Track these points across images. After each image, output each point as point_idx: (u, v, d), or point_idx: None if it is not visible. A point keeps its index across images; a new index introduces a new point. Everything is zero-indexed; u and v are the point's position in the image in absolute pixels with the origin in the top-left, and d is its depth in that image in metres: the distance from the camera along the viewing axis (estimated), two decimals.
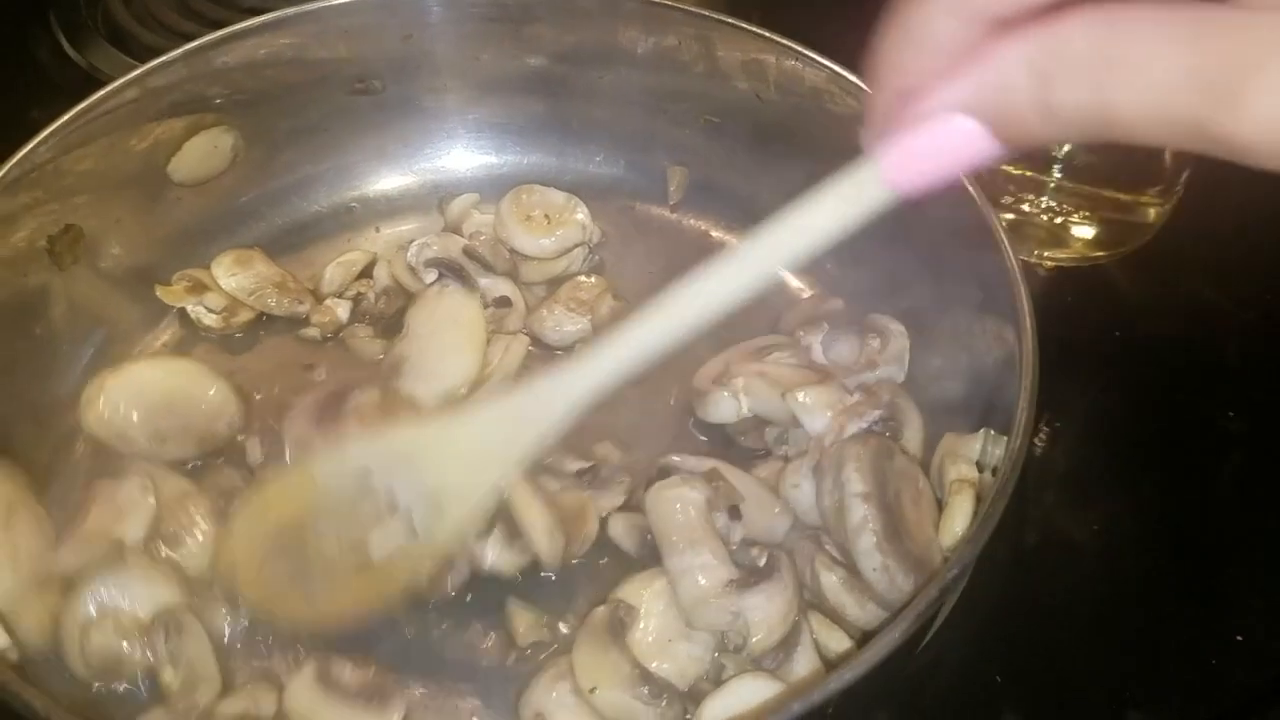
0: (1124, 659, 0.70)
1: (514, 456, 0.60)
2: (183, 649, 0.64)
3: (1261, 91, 0.32)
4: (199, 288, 0.81)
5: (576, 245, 0.85)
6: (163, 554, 0.68)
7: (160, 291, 0.81)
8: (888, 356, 0.74)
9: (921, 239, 0.77)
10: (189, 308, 0.81)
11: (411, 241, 0.84)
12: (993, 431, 0.67)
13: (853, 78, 0.77)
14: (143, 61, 0.94)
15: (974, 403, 0.70)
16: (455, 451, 0.62)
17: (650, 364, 0.51)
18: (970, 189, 0.70)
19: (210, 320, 0.81)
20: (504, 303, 0.81)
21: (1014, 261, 0.66)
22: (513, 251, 0.84)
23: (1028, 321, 0.64)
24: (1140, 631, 0.71)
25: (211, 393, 0.76)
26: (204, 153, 0.82)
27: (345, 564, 0.63)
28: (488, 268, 0.82)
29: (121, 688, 0.64)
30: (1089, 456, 0.80)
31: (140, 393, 0.74)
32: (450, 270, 0.81)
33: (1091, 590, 0.73)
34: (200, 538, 0.69)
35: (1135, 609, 0.72)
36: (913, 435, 0.71)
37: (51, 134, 0.73)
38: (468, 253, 0.82)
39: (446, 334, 0.78)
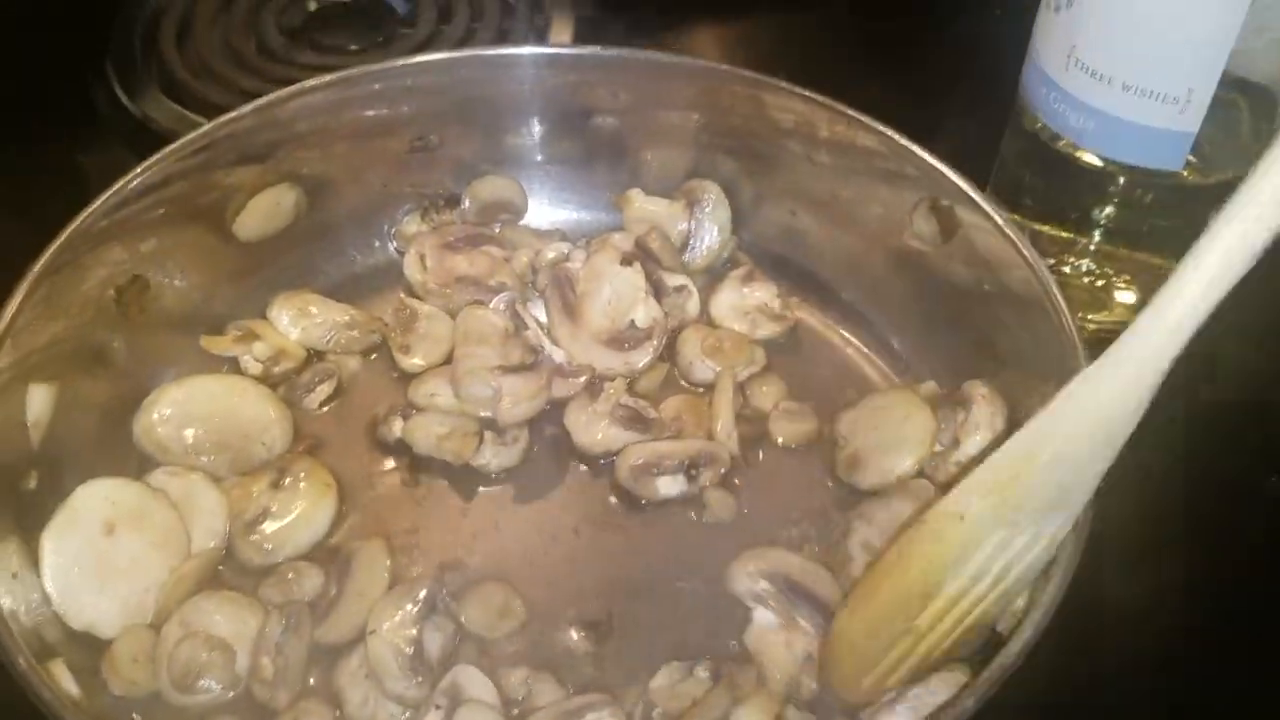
0: None
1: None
2: (289, 644, 0.66)
3: None
4: (249, 337, 0.82)
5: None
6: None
7: (206, 342, 0.82)
8: (971, 426, 0.74)
9: (977, 305, 0.78)
10: (240, 356, 0.82)
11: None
12: None
13: (897, 137, 0.79)
14: (195, 112, 0.96)
15: None
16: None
17: None
18: (1025, 254, 0.71)
19: (256, 370, 0.82)
20: (682, 290, 0.85)
21: (1072, 327, 0.67)
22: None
23: None
24: (1191, 698, 0.71)
25: (259, 413, 0.77)
26: (268, 210, 0.84)
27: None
28: (658, 261, 0.85)
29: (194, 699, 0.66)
30: (1132, 521, 0.80)
31: (193, 405, 0.76)
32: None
33: (1141, 656, 0.73)
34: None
35: (1186, 675, 0.72)
36: None
37: (123, 186, 0.74)
38: (640, 246, 0.85)
39: None
